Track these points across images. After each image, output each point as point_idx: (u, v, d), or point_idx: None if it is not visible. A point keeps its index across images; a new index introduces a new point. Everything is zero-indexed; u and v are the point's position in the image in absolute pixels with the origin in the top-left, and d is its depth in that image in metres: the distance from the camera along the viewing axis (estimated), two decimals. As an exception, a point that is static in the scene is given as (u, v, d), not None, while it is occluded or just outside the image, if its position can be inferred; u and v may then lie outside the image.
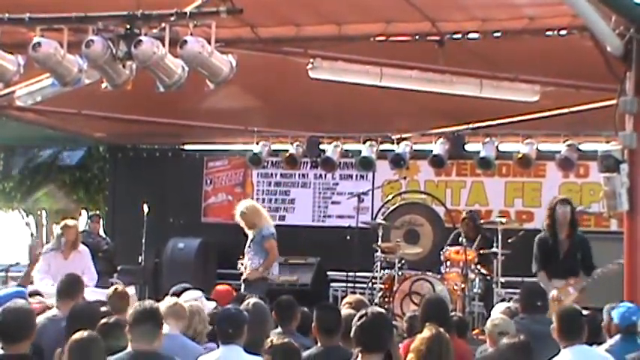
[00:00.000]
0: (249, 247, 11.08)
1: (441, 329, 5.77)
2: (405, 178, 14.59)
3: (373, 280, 12.72)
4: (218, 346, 6.56)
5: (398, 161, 13.71)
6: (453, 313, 8.38)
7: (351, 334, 5.59)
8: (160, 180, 15.74)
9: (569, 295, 9.89)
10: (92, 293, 9.32)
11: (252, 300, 7.44)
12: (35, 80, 11.31)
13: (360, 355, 5.51)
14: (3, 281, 11.48)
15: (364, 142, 13.86)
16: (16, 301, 6.09)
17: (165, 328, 6.77)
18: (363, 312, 5.65)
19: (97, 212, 17.23)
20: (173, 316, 6.96)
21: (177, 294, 8.11)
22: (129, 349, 5.95)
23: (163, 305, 6.94)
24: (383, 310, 6.10)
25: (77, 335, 5.65)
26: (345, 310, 7.14)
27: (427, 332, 5.68)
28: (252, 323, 6.53)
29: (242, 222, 11.18)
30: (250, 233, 11.10)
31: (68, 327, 6.48)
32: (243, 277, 11.06)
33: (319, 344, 6.67)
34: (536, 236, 10.47)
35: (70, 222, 11.37)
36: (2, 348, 5.59)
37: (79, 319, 6.58)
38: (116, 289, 8.31)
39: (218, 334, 6.47)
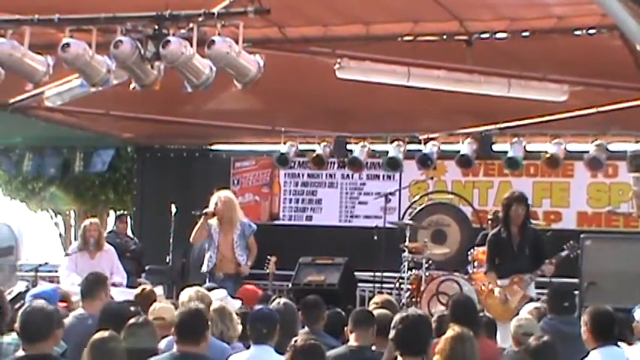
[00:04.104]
0: (236, 242, 10.99)
1: (465, 329, 5.72)
2: (432, 178, 14.55)
3: (400, 281, 12.69)
4: (247, 347, 6.56)
5: (425, 161, 13.68)
6: (481, 314, 8.31)
7: (390, 336, 5.49)
8: (187, 180, 15.75)
9: (515, 294, 9.77)
10: (121, 294, 9.35)
11: (281, 300, 7.44)
12: (64, 81, 11.37)
13: (400, 357, 5.43)
14: (32, 281, 11.50)
15: (391, 142, 13.83)
16: (37, 301, 6.10)
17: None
18: (404, 314, 5.53)
19: (125, 212, 17.25)
20: None
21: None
22: (174, 349, 5.97)
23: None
24: (422, 312, 6.00)
25: (98, 335, 5.65)
26: (376, 311, 7.12)
27: (450, 332, 5.63)
28: (281, 323, 6.53)
29: (224, 211, 11.02)
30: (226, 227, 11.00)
31: (99, 327, 6.49)
32: (230, 272, 10.93)
33: (353, 342, 6.65)
34: (489, 234, 10.41)
35: (88, 221, 11.39)
36: (24, 349, 5.61)
37: (109, 320, 6.60)
38: (143, 289, 8.31)
39: (251, 334, 6.46)
